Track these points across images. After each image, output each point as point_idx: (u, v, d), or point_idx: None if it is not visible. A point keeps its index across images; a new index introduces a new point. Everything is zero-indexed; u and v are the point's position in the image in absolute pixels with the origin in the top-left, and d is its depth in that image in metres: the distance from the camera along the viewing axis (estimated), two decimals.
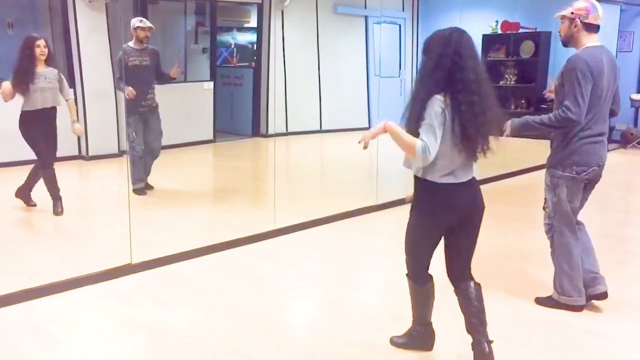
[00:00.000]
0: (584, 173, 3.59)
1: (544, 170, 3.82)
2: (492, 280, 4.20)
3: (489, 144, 2.83)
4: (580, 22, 3.53)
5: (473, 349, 2.94)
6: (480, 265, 4.45)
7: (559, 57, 11.30)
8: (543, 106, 10.77)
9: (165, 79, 6.62)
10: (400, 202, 5.93)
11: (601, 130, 3.62)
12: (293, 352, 3.25)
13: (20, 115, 5.43)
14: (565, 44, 3.65)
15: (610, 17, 10.40)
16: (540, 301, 3.83)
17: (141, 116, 6.29)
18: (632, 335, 3.49)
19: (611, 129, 10.79)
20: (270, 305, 3.84)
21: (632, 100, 10.52)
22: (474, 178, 2.91)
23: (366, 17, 11.89)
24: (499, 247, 4.98)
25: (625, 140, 10.68)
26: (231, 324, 3.55)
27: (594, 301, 3.84)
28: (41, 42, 5.35)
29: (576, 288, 3.70)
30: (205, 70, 10.33)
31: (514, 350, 3.25)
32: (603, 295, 3.74)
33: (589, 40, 3.57)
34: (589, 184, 3.74)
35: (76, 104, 8.05)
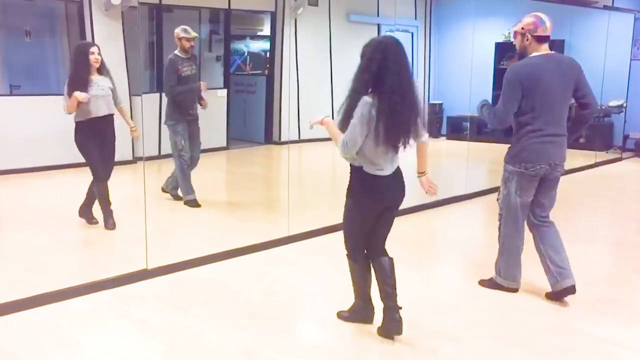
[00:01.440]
0: (532, 169, 3.82)
1: None
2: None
3: (409, 139, 3.17)
4: (531, 35, 3.83)
5: (384, 315, 3.37)
6: (483, 270, 4.46)
7: None
8: None
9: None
10: (410, 210, 5.95)
11: (554, 131, 3.83)
12: (308, 356, 3.28)
13: (75, 126, 5.29)
14: (521, 55, 3.95)
15: (623, 25, 10.38)
16: (482, 283, 4.20)
17: (188, 124, 6.31)
18: None
19: (625, 137, 10.74)
20: (285, 309, 3.87)
21: None
22: (398, 168, 3.28)
23: (379, 25, 11.92)
24: None
25: (639, 149, 10.62)
26: (246, 328, 3.59)
27: (608, 308, 3.85)
28: (95, 49, 5.23)
29: (511, 275, 4.06)
30: (218, 77, 10.40)
31: (520, 355, 3.25)
32: (571, 290, 3.91)
33: (539, 51, 3.85)
34: (547, 183, 3.91)
35: None
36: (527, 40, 3.85)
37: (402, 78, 3.05)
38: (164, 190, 6.56)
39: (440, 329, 3.56)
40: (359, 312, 3.57)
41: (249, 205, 6.82)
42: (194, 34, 6.21)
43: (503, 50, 11.52)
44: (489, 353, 3.29)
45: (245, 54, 12.26)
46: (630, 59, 10.51)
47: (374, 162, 3.16)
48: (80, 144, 5.30)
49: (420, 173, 3.46)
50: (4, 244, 5.17)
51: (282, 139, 10.66)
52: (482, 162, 9.59)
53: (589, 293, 4.14)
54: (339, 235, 5.44)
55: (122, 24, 8.41)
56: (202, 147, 9.30)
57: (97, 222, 5.56)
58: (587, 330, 3.58)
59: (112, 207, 5.47)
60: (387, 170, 3.21)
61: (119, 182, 7.66)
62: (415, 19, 12.45)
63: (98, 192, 5.43)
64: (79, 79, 5.15)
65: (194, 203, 6.32)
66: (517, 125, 3.87)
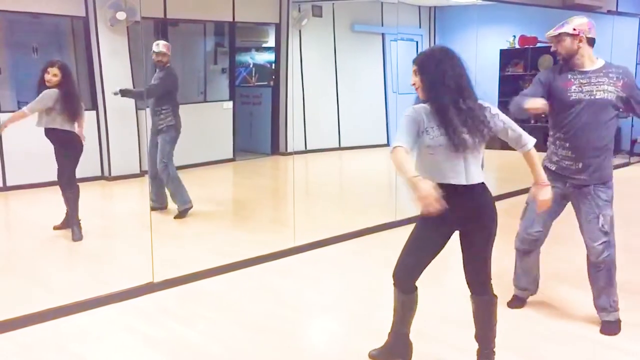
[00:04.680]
0: None
1: None
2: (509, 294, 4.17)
3: None
4: (585, 37, 3.60)
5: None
6: (498, 280, 4.42)
7: None
8: None
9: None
10: (413, 219, 5.91)
11: None
12: None
13: None
14: (567, 60, 3.66)
15: (628, 29, 10.34)
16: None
17: (153, 137, 6.37)
18: None
19: (633, 141, 10.67)
20: (291, 321, 3.85)
21: None
22: None
23: (383, 35, 11.95)
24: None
25: None
26: (252, 340, 3.57)
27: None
28: (52, 70, 5.38)
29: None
30: (224, 90, 10.44)
31: None
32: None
33: (592, 54, 3.66)
34: None
35: (98, 125, 8.24)
36: (580, 42, 3.59)
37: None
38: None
39: (447, 339, 3.54)
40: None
41: (256, 216, 6.82)
42: (158, 49, 6.34)
43: (507, 57, 11.50)
44: None
45: (251, 66, 12.30)
46: (636, 63, 10.45)
47: None
48: None
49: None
50: (9, 259, 5.20)
51: (289, 150, 10.67)
52: (487, 169, 9.54)
53: (590, 299, 4.09)
54: (346, 245, 5.47)
55: (128, 38, 8.47)
56: (209, 159, 9.31)
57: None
58: (590, 337, 3.55)
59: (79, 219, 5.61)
60: None
61: (126, 196, 7.72)
62: (420, 27, 12.46)
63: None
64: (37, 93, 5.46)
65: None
66: (611, 139, 3.66)
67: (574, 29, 3.60)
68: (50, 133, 5.51)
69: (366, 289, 4.41)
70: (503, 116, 2.91)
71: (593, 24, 3.67)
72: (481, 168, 2.92)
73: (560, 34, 3.65)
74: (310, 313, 4.06)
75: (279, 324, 3.80)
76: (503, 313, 3.87)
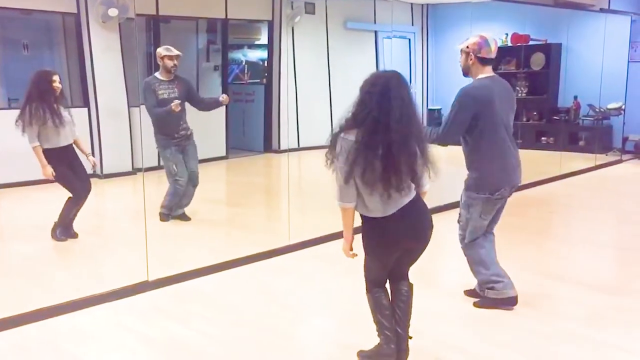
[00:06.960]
0: (497, 193, 3.78)
1: (557, 182, 3.86)
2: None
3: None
4: (474, 56, 3.77)
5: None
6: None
7: (570, 69, 11.29)
8: (555, 117, 10.76)
9: (208, 105, 6.36)
10: None
11: (509, 154, 3.80)
12: None
13: None
14: (465, 74, 3.89)
15: (620, 27, 10.40)
16: (480, 304, 3.96)
17: (177, 147, 6.04)
18: None
19: (624, 139, 10.74)
20: (286, 320, 3.85)
21: None
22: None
23: (376, 32, 11.96)
24: (515, 260, 4.95)
25: (638, 151, 10.61)
26: (248, 339, 3.56)
27: (609, 312, 3.84)
28: (56, 77, 5.24)
29: (501, 283, 3.88)
30: (217, 87, 10.41)
31: None
32: (513, 300, 3.90)
33: (483, 72, 3.80)
34: (502, 203, 3.93)
35: (90, 122, 8.21)
36: (471, 59, 3.77)
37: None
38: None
39: (443, 338, 3.54)
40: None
41: (249, 214, 6.81)
42: (176, 52, 5.89)
43: (500, 55, 11.46)
44: None
45: (243, 63, 12.27)
46: (628, 61, 10.51)
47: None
48: None
49: None
50: (2, 257, 5.16)
51: (282, 147, 10.66)
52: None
53: (590, 297, 4.13)
54: (340, 243, 5.45)
55: (120, 35, 8.42)
56: (202, 157, 9.27)
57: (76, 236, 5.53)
58: (590, 336, 3.56)
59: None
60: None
61: (119, 194, 7.68)
62: (412, 25, 12.48)
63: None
64: None
65: (165, 218, 6.14)
66: (472, 152, 3.79)
67: (467, 47, 3.80)
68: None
69: (361, 287, 4.39)
70: None
71: (486, 44, 3.76)
72: None
73: (461, 49, 3.84)
74: (305, 311, 4.06)
75: (273, 322, 3.79)
76: (506, 313, 3.90)
